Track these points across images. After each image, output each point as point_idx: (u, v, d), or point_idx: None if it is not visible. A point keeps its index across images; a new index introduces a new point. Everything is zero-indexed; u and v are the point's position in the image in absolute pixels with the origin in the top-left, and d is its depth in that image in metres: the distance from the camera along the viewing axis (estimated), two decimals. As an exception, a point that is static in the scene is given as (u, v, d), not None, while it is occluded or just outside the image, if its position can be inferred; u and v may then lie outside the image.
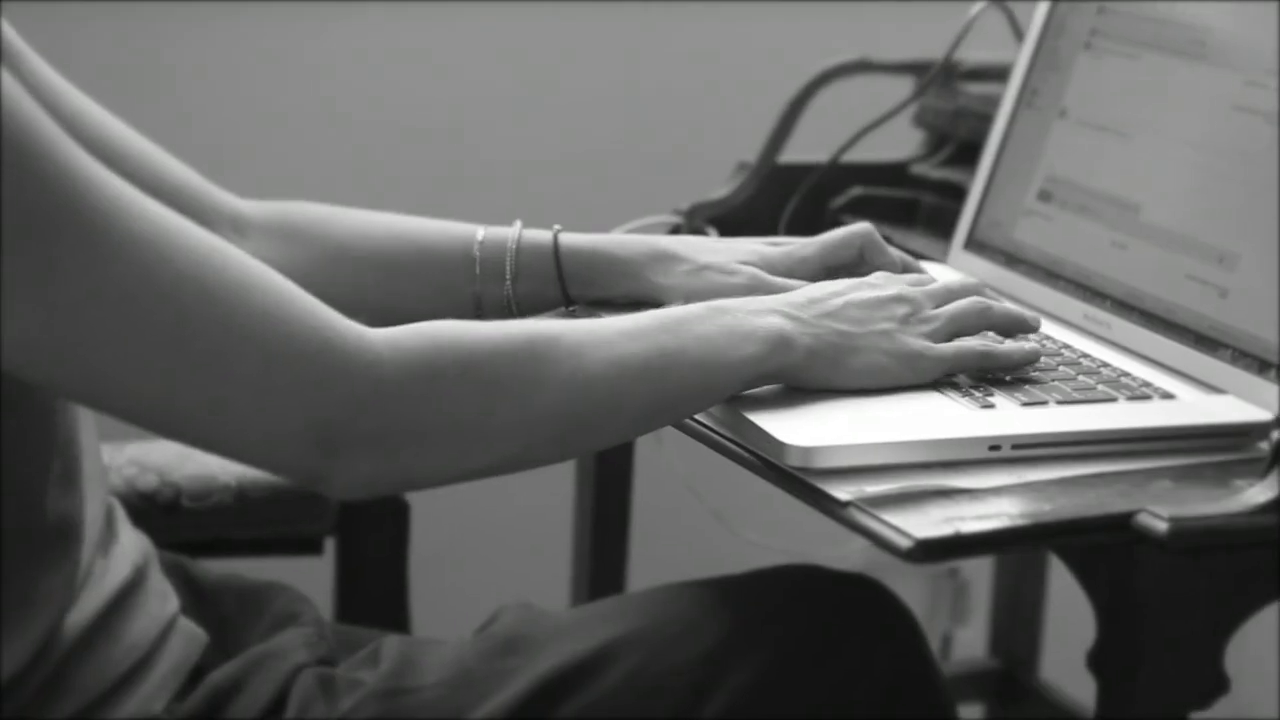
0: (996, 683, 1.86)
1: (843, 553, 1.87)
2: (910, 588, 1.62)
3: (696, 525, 1.59)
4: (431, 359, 0.89)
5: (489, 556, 1.97)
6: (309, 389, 0.86)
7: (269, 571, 1.21)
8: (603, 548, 1.49)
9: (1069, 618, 1.88)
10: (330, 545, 1.38)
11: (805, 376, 1.01)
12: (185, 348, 0.83)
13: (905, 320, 1.04)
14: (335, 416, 0.87)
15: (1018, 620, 1.84)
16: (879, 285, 1.06)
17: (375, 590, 1.38)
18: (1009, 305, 1.11)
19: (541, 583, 1.62)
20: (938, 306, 1.06)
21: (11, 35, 1.02)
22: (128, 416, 0.85)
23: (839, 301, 1.03)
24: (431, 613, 1.49)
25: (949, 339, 1.05)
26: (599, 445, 1.05)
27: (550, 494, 1.68)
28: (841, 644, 1.02)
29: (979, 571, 2.06)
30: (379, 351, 0.88)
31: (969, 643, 2.09)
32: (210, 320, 0.84)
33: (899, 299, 1.04)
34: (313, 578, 1.30)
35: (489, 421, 0.91)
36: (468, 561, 1.94)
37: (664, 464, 1.45)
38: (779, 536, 1.60)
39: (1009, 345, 1.07)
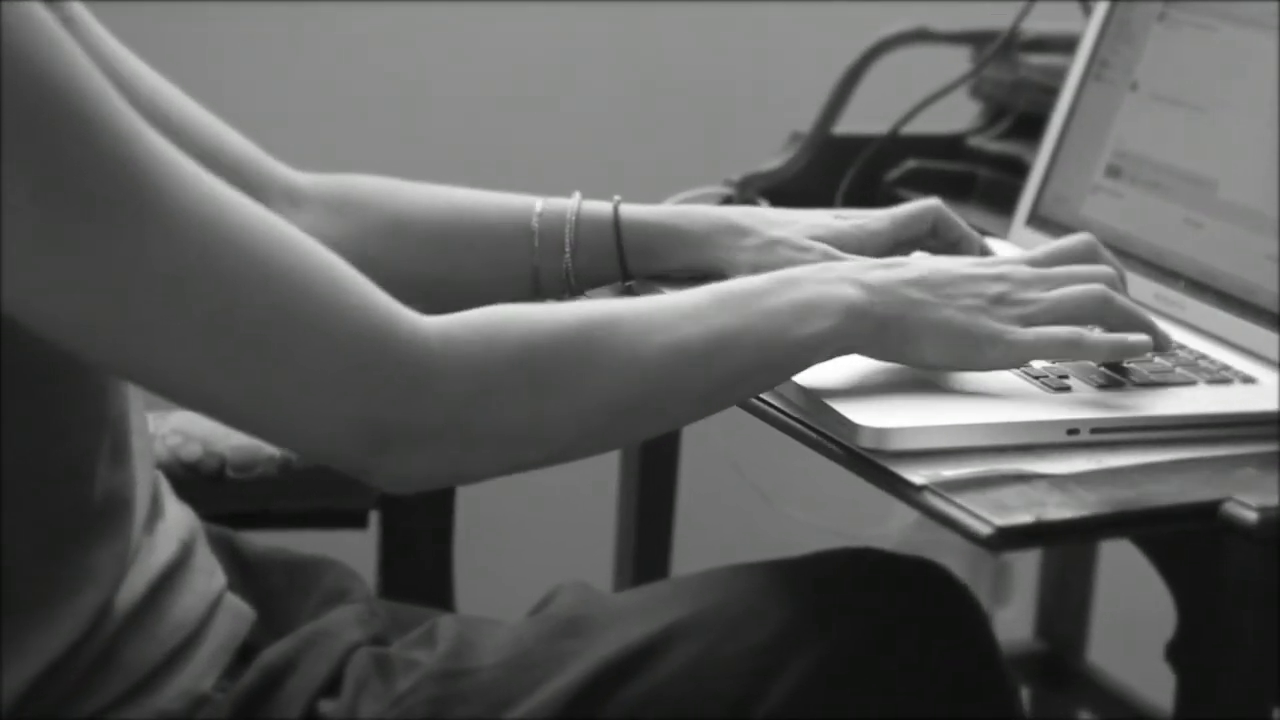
0: (1043, 665, 1.84)
1: (883, 531, 1.85)
2: (950, 567, 1.61)
3: (740, 503, 1.57)
4: (484, 352, 0.87)
5: (532, 534, 1.96)
6: (360, 381, 0.84)
7: (312, 545, 1.20)
8: (648, 525, 1.47)
9: (1119, 599, 1.87)
10: (374, 519, 1.36)
11: (873, 349, 0.97)
12: (236, 330, 0.81)
13: (998, 299, 0.97)
14: (385, 410, 0.84)
15: (1065, 601, 1.82)
16: (984, 262, 1.00)
17: (419, 566, 1.36)
18: (1133, 306, 1.00)
19: (585, 560, 1.60)
20: (1050, 288, 0.98)
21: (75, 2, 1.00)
22: (173, 396, 0.83)
23: (921, 271, 0.97)
24: (474, 590, 1.47)
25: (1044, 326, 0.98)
26: (658, 431, 1.02)
27: (595, 471, 1.66)
28: (907, 632, 1.00)
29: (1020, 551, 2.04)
30: (432, 344, 0.85)
31: (1009, 623, 2.06)
32: (263, 304, 0.82)
33: (999, 277, 0.98)
34: (356, 552, 1.28)
35: (542, 414, 0.88)
36: (511, 539, 1.93)
37: (709, 441, 1.43)
38: (822, 515, 1.58)
39: (1100, 337, 0.98)
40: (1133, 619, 1.81)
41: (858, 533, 1.65)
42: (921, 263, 0.99)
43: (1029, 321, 0.97)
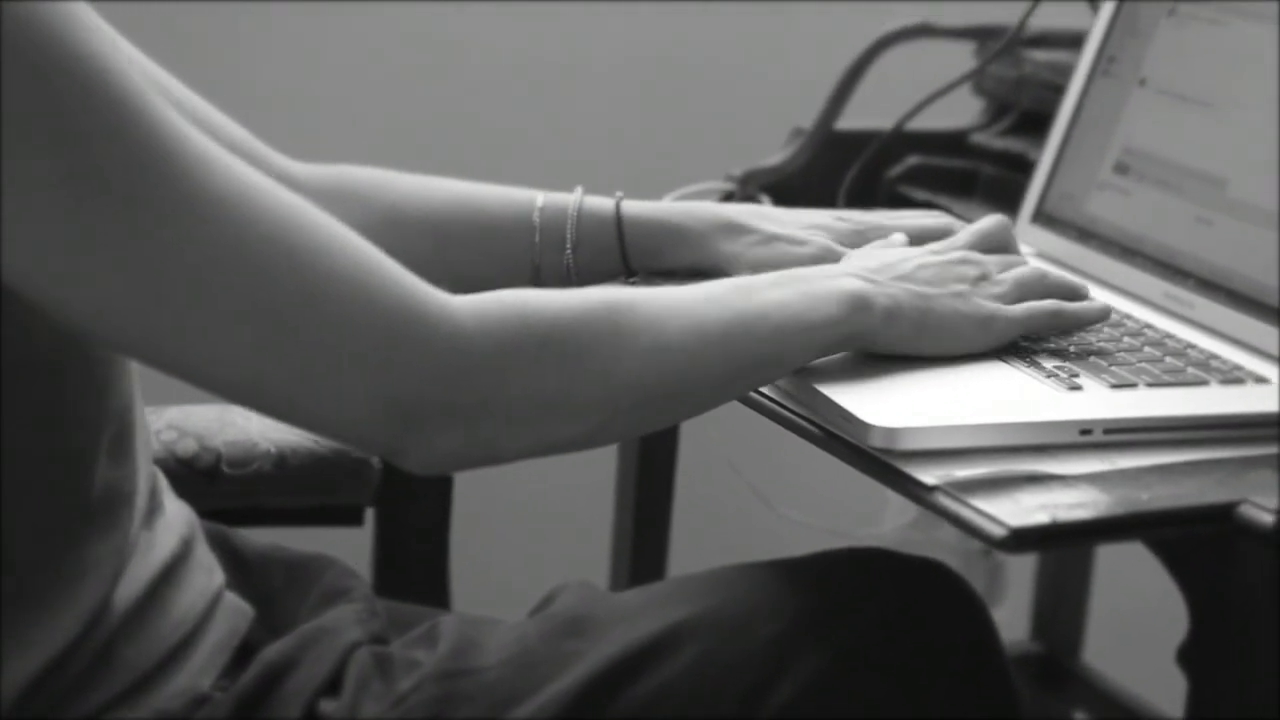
0: (1039, 666, 1.83)
1: (878, 530, 1.84)
2: (945, 567, 1.60)
3: (736, 502, 1.56)
4: (515, 331, 0.87)
5: (528, 532, 1.95)
6: (390, 361, 0.83)
7: (307, 541, 1.18)
8: (645, 524, 1.46)
9: (1114, 600, 1.86)
10: (370, 516, 1.34)
11: (884, 340, 0.99)
12: (266, 315, 0.81)
13: (976, 283, 1.02)
14: (416, 389, 0.84)
15: (1062, 602, 1.81)
16: (942, 250, 1.05)
17: (415, 564, 1.35)
18: (1061, 272, 1.10)
19: (582, 559, 1.59)
20: (1002, 269, 1.05)
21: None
22: (203, 383, 0.83)
23: (911, 264, 1.01)
24: (470, 588, 1.46)
25: (1016, 303, 1.03)
26: (679, 416, 1.03)
27: (592, 469, 1.65)
28: (913, 632, 0.99)
29: (1017, 551, 2.03)
30: (462, 323, 0.85)
31: (1002, 624, 2.05)
32: (292, 287, 0.81)
33: (966, 261, 1.03)
34: (351, 549, 1.27)
35: (572, 394, 0.88)
36: (507, 537, 1.92)
37: (706, 439, 1.42)
38: (816, 514, 1.57)
39: (1079, 304, 1.05)
40: (1129, 620, 1.81)
41: (853, 532, 1.64)
42: (900, 254, 1.03)
43: (1003, 300, 1.03)
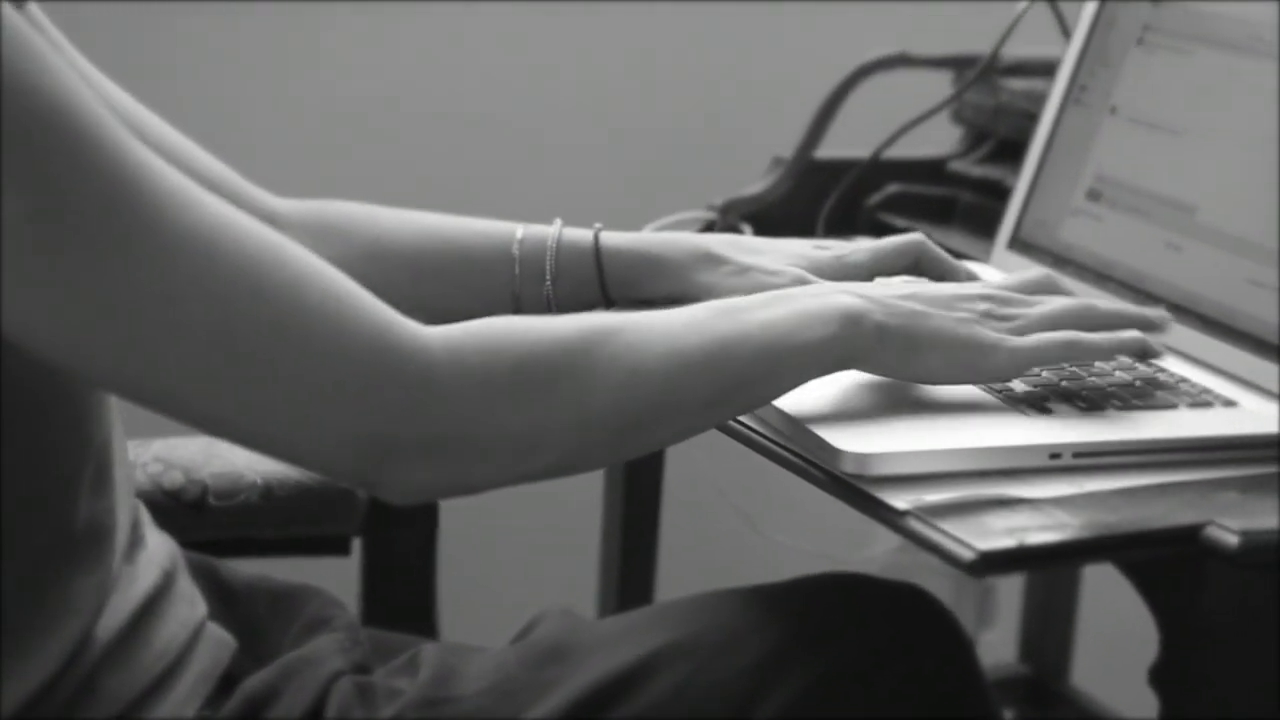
0: (1027, 688, 1.84)
1: (869, 555, 1.85)
2: (934, 590, 1.61)
3: (724, 527, 1.57)
4: (487, 362, 0.87)
5: (516, 560, 1.95)
6: (363, 393, 0.84)
7: (295, 572, 1.19)
8: (632, 551, 1.46)
9: (1103, 622, 1.87)
10: (358, 546, 1.35)
11: (876, 361, 0.96)
12: (235, 346, 0.81)
13: (986, 315, 0.99)
14: (389, 422, 0.84)
15: (1049, 625, 1.82)
16: (962, 285, 1.02)
17: (403, 592, 1.36)
18: (1117, 303, 1.03)
19: (569, 585, 1.60)
20: (1029, 306, 1.00)
21: (48, 24, 1.00)
22: (175, 414, 0.83)
23: (910, 290, 0.99)
24: (458, 616, 1.47)
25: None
26: (660, 443, 1.01)
27: (580, 496, 1.66)
28: (892, 659, 0.99)
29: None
30: (435, 355, 0.85)
31: (994, 646, 2.06)
32: (262, 319, 0.81)
33: (983, 296, 1.00)
34: (340, 578, 1.28)
35: (546, 424, 0.88)
36: (495, 564, 1.92)
37: (693, 465, 1.43)
38: (806, 539, 1.58)
39: (1098, 335, 1.00)
40: (1116, 642, 1.81)
41: (843, 557, 1.65)
42: (906, 285, 1.00)
43: (1019, 333, 0.99)
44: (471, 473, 0.88)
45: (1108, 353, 1.01)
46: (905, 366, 0.97)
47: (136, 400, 0.83)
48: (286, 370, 0.82)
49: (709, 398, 0.93)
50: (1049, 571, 1.82)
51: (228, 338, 0.81)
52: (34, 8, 0.97)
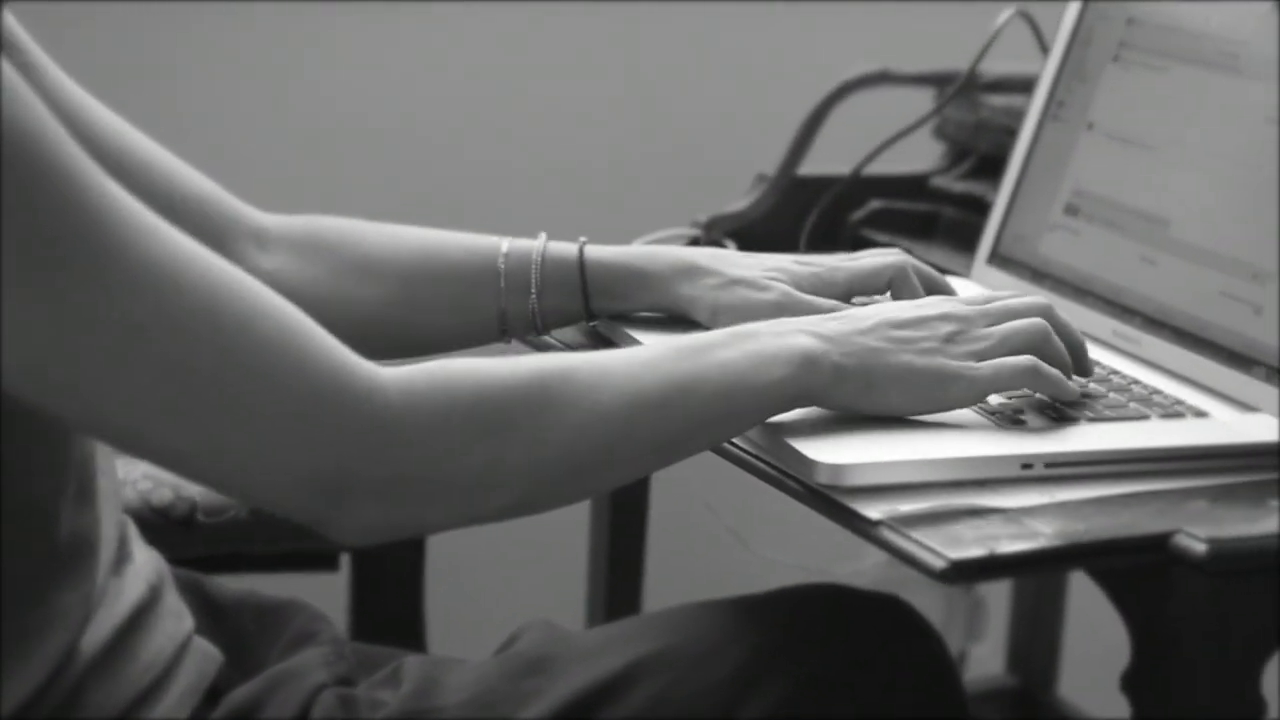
0: (1014, 700, 1.84)
1: (859, 568, 1.85)
2: (925, 603, 1.62)
3: (711, 541, 1.58)
4: (441, 405, 0.86)
5: (504, 574, 1.96)
6: (316, 433, 0.83)
7: (283, 587, 1.20)
8: (619, 564, 1.47)
9: (1089, 635, 1.87)
10: (346, 561, 1.37)
11: (834, 399, 0.98)
12: (189, 382, 0.81)
13: (949, 339, 0.99)
14: (340, 463, 0.84)
15: (1036, 637, 1.83)
16: (925, 305, 1.01)
17: (391, 607, 1.37)
18: (1076, 334, 1.04)
19: (557, 599, 1.61)
20: (992, 323, 1.00)
21: (27, 41, 1.01)
22: (127, 448, 0.83)
23: (873, 321, 0.99)
24: (446, 630, 1.48)
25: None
26: (618, 482, 1.02)
27: (567, 511, 1.67)
28: (870, 669, 1.01)
29: (995, 587, 2.05)
30: (389, 397, 0.85)
31: (985, 659, 2.07)
32: (217, 356, 0.81)
33: (945, 317, 1.00)
34: (328, 594, 1.29)
35: (500, 467, 0.88)
36: (483, 578, 1.93)
37: (680, 479, 1.44)
38: (794, 553, 1.59)
39: (1058, 376, 1.01)
40: (1103, 653, 1.82)
41: (832, 569, 1.65)
42: (868, 311, 1.01)
43: (981, 357, 0.99)
44: (425, 514, 0.88)
45: (1063, 395, 1.02)
46: (865, 402, 0.98)
47: (90, 432, 0.82)
48: (240, 407, 0.82)
49: (666, 438, 0.93)
50: (1038, 582, 1.83)
51: (183, 371, 0.80)
52: (11, 26, 0.98)
